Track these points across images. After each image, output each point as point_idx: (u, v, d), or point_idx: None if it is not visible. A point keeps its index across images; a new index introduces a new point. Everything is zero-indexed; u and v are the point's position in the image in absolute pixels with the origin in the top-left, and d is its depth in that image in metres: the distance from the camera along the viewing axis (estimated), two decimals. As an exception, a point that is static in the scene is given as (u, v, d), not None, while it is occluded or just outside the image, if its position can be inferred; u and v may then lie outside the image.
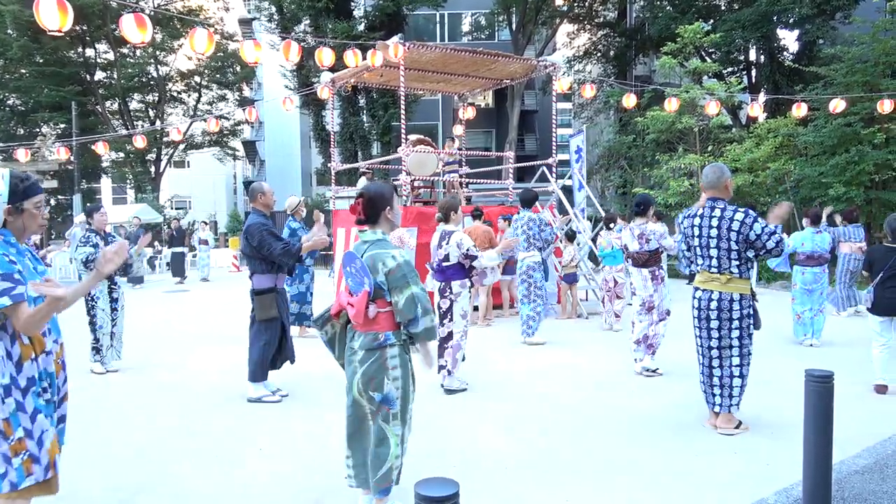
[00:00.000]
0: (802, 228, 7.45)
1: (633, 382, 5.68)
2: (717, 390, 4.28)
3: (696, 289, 4.32)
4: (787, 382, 5.46)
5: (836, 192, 12.58)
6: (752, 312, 4.16)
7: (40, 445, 2.44)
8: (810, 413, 2.96)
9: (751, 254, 4.12)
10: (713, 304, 4.18)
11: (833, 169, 13.01)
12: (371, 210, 3.02)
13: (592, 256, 11.21)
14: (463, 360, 5.62)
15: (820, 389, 2.93)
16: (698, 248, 4.29)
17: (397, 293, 2.86)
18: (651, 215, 6.22)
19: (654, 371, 5.90)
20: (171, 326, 9.20)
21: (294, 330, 8.13)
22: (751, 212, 4.09)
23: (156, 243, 20.18)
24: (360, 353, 2.94)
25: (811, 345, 7.03)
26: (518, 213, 7.75)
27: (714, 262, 4.18)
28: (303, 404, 5.09)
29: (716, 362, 4.25)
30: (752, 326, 4.18)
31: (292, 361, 5.46)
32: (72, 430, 4.45)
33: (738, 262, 4.12)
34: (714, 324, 4.20)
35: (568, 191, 13.28)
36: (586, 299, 10.70)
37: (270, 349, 5.18)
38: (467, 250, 5.27)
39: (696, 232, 4.28)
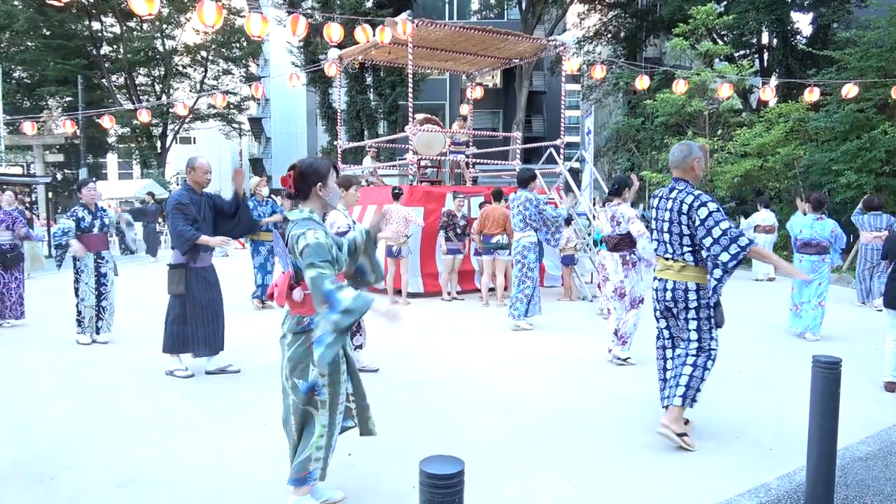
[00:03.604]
0: (805, 214, 7.30)
1: (630, 368, 5.64)
2: (670, 382, 3.82)
3: (655, 278, 3.98)
4: (785, 373, 5.44)
5: (847, 178, 12.44)
6: (711, 305, 3.71)
7: None
8: (816, 399, 2.94)
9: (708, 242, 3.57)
10: (668, 295, 3.79)
11: (844, 155, 12.85)
12: (301, 184, 2.81)
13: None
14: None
15: (827, 376, 2.92)
16: (655, 233, 3.95)
17: (305, 274, 2.64)
18: (627, 197, 5.97)
19: (625, 360, 5.67)
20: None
21: (255, 303, 8.14)
22: (703, 196, 3.63)
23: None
24: (289, 337, 2.82)
25: (800, 334, 6.86)
26: (515, 192, 7.62)
27: (668, 247, 3.83)
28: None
29: (669, 353, 3.96)
30: (711, 321, 3.73)
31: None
32: (67, 404, 4.50)
33: (690, 249, 3.69)
34: (670, 312, 3.85)
35: (576, 173, 13.20)
36: (591, 281, 10.66)
37: (178, 325, 5.16)
38: (337, 229, 4.91)
39: (655, 214, 3.92)
